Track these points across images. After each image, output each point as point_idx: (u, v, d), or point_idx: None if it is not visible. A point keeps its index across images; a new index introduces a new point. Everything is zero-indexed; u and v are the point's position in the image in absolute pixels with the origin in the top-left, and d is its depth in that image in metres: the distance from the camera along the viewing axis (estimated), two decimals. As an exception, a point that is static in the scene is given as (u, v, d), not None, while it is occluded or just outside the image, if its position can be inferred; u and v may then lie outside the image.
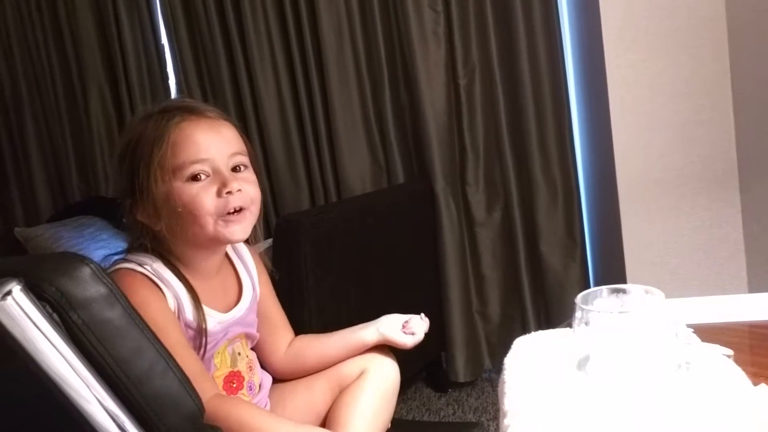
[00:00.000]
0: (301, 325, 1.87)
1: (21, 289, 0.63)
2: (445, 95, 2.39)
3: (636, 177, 2.07)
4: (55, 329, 0.65)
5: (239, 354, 1.13)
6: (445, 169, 2.40)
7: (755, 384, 0.79)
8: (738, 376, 0.80)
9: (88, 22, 2.89)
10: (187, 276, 1.05)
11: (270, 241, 2.32)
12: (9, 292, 0.62)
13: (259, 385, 1.17)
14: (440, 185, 2.39)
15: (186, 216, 1.00)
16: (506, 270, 2.51)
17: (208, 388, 0.98)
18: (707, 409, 0.72)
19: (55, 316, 0.66)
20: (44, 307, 0.65)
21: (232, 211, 1.01)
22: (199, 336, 1.03)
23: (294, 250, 1.85)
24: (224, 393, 1.08)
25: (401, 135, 2.51)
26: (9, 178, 3.16)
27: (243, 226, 1.03)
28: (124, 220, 1.06)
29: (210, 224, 1.00)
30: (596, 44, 2.09)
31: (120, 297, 0.71)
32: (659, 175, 2.06)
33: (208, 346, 1.06)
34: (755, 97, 1.92)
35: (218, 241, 1.05)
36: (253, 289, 1.18)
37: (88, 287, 0.68)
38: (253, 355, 1.18)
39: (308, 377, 1.23)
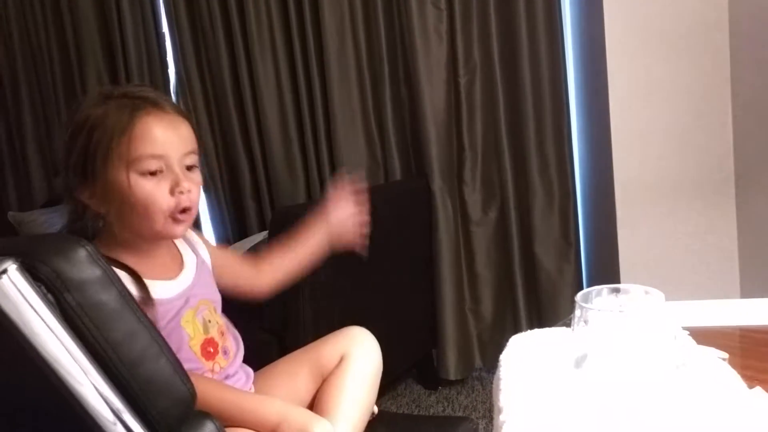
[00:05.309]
0: (295, 315, 1.87)
1: (17, 269, 0.62)
2: (445, 93, 2.38)
3: (633, 181, 2.08)
4: (50, 310, 0.64)
5: (209, 321, 1.15)
6: (442, 167, 2.39)
7: (750, 387, 0.79)
8: (733, 378, 0.80)
9: (89, 9, 2.86)
10: (130, 255, 1.07)
11: (266, 233, 2.31)
12: (4, 271, 0.62)
13: (235, 352, 1.19)
14: (437, 183, 2.39)
15: (138, 208, 1.03)
16: (500, 269, 2.51)
17: None
18: (703, 409, 0.72)
19: (49, 296, 0.65)
20: (39, 287, 0.65)
21: (181, 210, 1.06)
22: (152, 309, 1.05)
23: (289, 242, 1.85)
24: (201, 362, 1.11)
25: (400, 132, 2.50)
26: (4, 162, 3.14)
27: (186, 226, 1.09)
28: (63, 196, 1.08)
29: (160, 221, 1.04)
30: (598, 47, 2.09)
31: (115, 280, 0.70)
32: (656, 180, 2.06)
33: (170, 315, 1.08)
34: (755, 106, 1.92)
35: (161, 236, 1.09)
36: (196, 255, 1.20)
37: (84, 269, 0.67)
38: (223, 321, 1.20)
39: (290, 365, 1.24)
